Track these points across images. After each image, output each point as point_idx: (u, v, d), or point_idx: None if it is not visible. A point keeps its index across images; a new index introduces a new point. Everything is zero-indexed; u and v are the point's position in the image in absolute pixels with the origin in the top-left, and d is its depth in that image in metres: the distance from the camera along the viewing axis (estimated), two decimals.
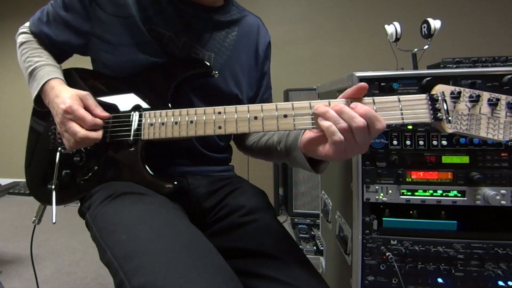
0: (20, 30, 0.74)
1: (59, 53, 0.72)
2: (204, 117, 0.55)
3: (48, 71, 0.66)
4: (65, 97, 0.59)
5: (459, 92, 0.47)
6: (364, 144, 0.46)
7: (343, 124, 0.45)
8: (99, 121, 0.60)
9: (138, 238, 0.47)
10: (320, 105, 0.48)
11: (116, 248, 0.47)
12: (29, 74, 0.67)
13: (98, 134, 0.60)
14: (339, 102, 0.48)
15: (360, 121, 0.44)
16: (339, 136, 0.45)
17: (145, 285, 0.40)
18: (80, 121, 0.58)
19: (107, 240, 0.50)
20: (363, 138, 0.45)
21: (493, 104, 0.46)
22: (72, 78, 0.70)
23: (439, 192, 0.76)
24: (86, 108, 0.60)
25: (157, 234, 0.48)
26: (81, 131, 0.57)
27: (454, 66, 0.82)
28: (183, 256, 0.44)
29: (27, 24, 0.74)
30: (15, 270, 1.56)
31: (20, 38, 0.72)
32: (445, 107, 0.47)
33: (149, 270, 0.42)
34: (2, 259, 1.68)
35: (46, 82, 0.64)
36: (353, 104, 0.46)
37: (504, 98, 0.46)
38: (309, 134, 0.54)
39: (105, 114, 0.62)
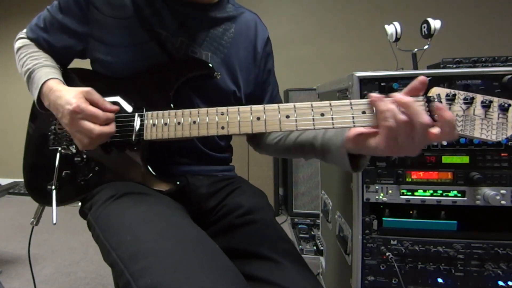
0: (18, 36, 0.73)
1: (59, 58, 0.72)
2: (207, 118, 0.55)
3: (46, 72, 0.65)
4: (69, 97, 0.57)
5: (454, 95, 0.49)
6: (419, 145, 0.45)
7: (403, 117, 0.43)
8: (111, 115, 0.59)
9: (144, 239, 0.47)
10: (382, 100, 0.46)
11: (121, 249, 0.47)
12: (27, 77, 0.66)
13: (112, 128, 0.58)
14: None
15: (426, 119, 0.43)
16: (396, 142, 0.44)
17: (152, 286, 0.40)
18: (93, 118, 0.56)
19: (111, 241, 0.49)
20: (423, 139, 0.44)
21: (486, 106, 0.48)
22: (72, 79, 0.70)
23: (439, 192, 0.76)
24: (93, 103, 0.59)
25: (163, 234, 0.47)
26: (96, 128, 0.56)
27: (454, 66, 0.82)
28: (190, 257, 0.44)
29: (24, 30, 0.73)
30: (15, 270, 1.56)
31: (17, 44, 0.72)
32: None
33: (156, 271, 0.41)
34: (2, 259, 1.68)
35: (43, 84, 0.63)
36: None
37: (496, 100, 0.48)
38: (357, 129, 0.52)
39: (114, 107, 0.61)
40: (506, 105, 0.47)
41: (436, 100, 0.48)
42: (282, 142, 0.74)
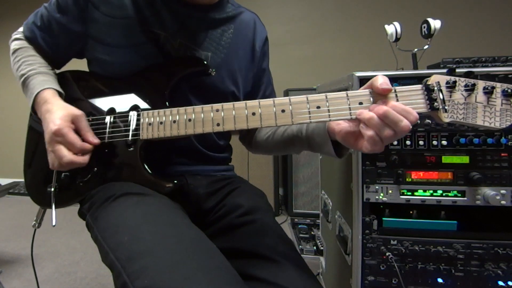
0: (14, 36, 0.72)
1: (57, 58, 0.72)
2: (202, 115, 0.55)
3: (41, 80, 0.65)
4: (56, 116, 0.58)
5: (454, 82, 0.47)
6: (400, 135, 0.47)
7: (388, 132, 0.45)
8: (88, 146, 0.59)
9: (141, 240, 0.46)
10: (363, 111, 0.47)
11: (119, 250, 0.47)
12: (22, 83, 0.66)
13: (84, 159, 0.59)
14: (381, 107, 0.46)
15: (406, 125, 0.44)
16: (380, 144, 0.47)
17: (149, 287, 0.40)
18: (69, 146, 0.58)
19: (109, 242, 0.49)
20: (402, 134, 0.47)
21: (489, 92, 0.47)
22: (67, 82, 0.70)
23: (439, 192, 0.76)
24: (77, 130, 0.60)
25: (161, 235, 0.47)
26: (67, 156, 0.57)
27: (454, 66, 0.82)
28: (187, 257, 0.44)
29: (21, 29, 0.72)
30: (15, 270, 1.56)
31: (13, 45, 0.71)
32: (441, 97, 0.47)
33: (153, 271, 0.41)
34: (2, 259, 1.68)
35: (38, 94, 0.63)
36: (391, 105, 0.46)
37: (499, 86, 0.47)
38: (343, 126, 0.53)
39: (96, 140, 0.61)
40: (509, 91, 0.46)
41: (436, 88, 0.47)
42: (271, 138, 0.75)
